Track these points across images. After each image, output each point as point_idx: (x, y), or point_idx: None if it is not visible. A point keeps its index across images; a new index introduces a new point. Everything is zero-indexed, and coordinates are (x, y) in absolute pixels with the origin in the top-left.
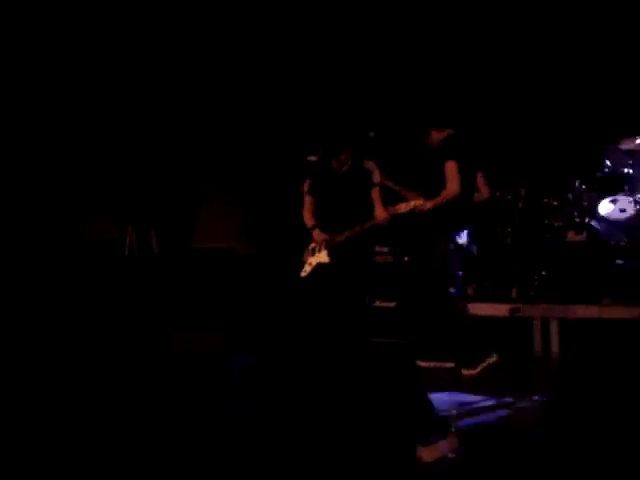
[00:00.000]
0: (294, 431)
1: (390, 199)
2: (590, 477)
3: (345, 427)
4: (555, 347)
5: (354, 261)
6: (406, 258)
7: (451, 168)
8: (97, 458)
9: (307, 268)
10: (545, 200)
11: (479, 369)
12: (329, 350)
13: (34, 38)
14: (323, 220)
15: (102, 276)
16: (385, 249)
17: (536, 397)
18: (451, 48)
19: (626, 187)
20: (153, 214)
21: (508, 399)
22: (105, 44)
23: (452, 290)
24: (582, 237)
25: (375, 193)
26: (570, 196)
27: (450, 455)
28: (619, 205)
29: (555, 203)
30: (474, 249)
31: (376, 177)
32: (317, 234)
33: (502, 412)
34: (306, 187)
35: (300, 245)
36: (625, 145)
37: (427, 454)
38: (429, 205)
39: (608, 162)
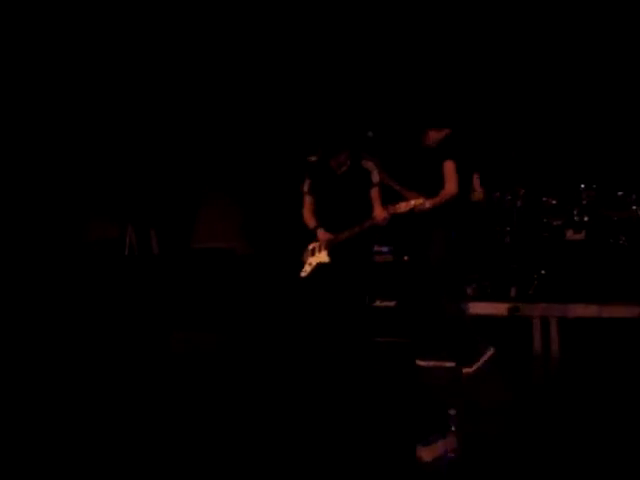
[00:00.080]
0: (294, 430)
1: (390, 199)
2: (590, 475)
3: (345, 426)
4: (555, 346)
5: (354, 261)
6: (406, 257)
7: (450, 168)
8: (96, 457)
9: (307, 268)
10: (544, 199)
11: (476, 367)
12: (330, 350)
13: (34, 38)
14: (323, 220)
15: (102, 276)
16: (385, 249)
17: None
18: (450, 48)
19: None
20: (153, 214)
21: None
22: (105, 46)
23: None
24: (581, 236)
25: (374, 193)
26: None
27: (450, 455)
28: None
29: (554, 202)
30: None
31: (375, 177)
32: (322, 234)
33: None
34: (306, 187)
35: (299, 245)
36: None
37: (427, 453)
38: (428, 205)
39: None
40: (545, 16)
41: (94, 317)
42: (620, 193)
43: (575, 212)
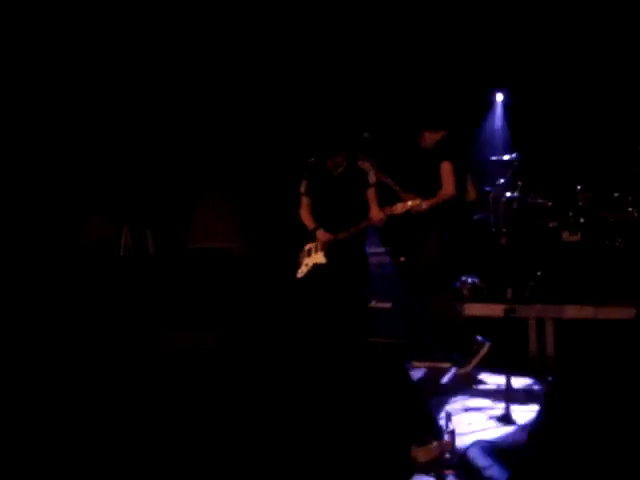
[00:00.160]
0: (290, 431)
1: (387, 199)
2: (589, 478)
3: (340, 427)
4: (550, 347)
5: (350, 262)
6: (402, 258)
7: (447, 169)
8: (94, 456)
9: (303, 269)
10: (540, 201)
11: (470, 367)
12: (325, 350)
13: (34, 38)
14: (320, 221)
15: (97, 276)
16: (382, 249)
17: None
18: (447, 49)
19: None
20: (149, 214)
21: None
22: (104, 46)
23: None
24: (577, 237)
25: (371, 193)
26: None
27: (445, 455)
28: None
29: (550, 203)
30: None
31: (371, 177)
32: (322, 234)
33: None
34: (303, 188)
35: (296, 245)
36: None
37: (422, 454)
38: (425, 206)
39: None
40: (543, 16)
41: (89, 317)
42: (616, 195)
43: (571, 214)
